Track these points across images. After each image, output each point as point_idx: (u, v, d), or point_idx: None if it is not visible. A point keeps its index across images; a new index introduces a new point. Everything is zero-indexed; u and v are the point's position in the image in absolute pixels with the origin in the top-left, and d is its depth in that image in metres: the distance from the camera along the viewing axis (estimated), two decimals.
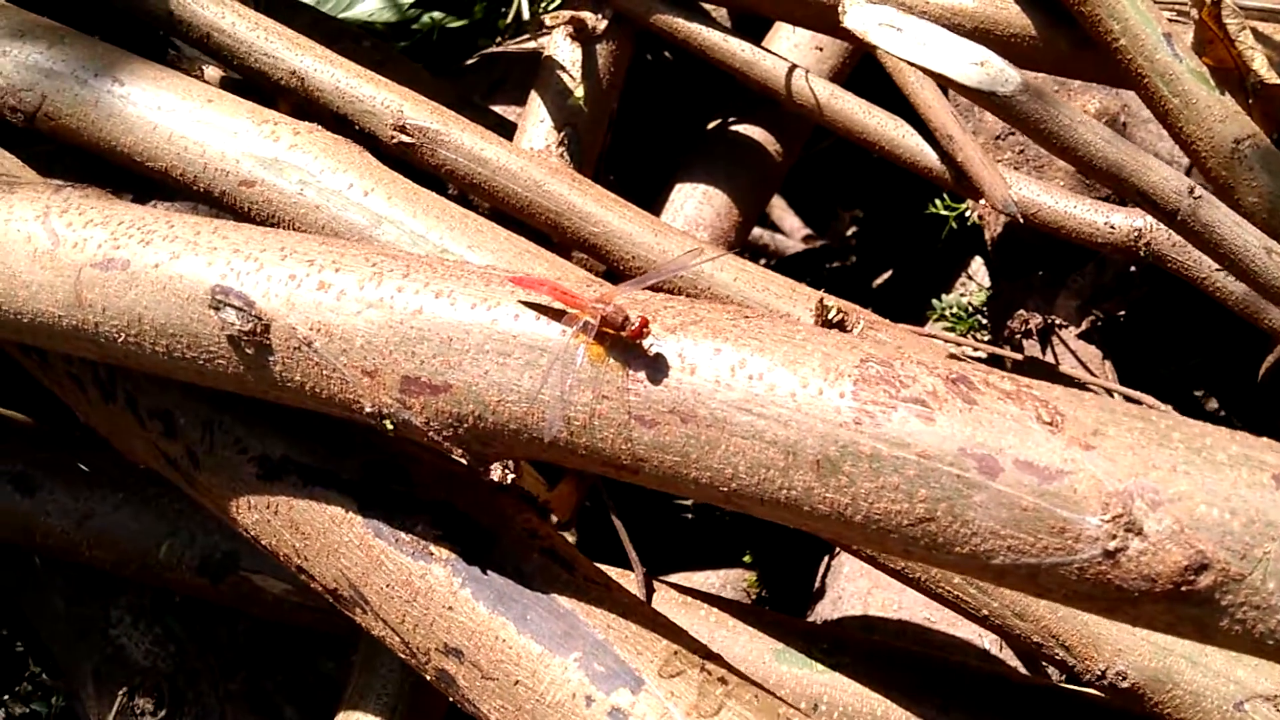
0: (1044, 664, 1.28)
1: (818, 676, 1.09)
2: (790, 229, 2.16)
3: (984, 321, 1.65)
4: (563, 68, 1.32)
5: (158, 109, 1.08)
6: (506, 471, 0.82)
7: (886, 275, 2.00)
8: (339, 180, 1.04)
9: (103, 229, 0.87)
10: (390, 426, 0.80)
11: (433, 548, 0.85)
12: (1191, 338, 1.75)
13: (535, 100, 1.33)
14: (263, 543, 0.92)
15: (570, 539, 1.15)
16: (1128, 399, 1.20)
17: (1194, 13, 0.98)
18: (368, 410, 0.80)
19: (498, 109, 1.54)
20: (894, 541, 0.68)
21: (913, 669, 1.10)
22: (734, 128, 1.55)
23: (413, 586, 0.84)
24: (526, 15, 1.45)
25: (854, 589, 1.40)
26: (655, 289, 0.84)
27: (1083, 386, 1.33)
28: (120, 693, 1.27)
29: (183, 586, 1.22)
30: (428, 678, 0.86)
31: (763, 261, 2.03)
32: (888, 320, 1.11)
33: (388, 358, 0.78)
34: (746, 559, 1.60)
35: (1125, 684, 0.96)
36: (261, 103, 1.11)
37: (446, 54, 1.87)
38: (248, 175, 1.05)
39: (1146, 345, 1.68)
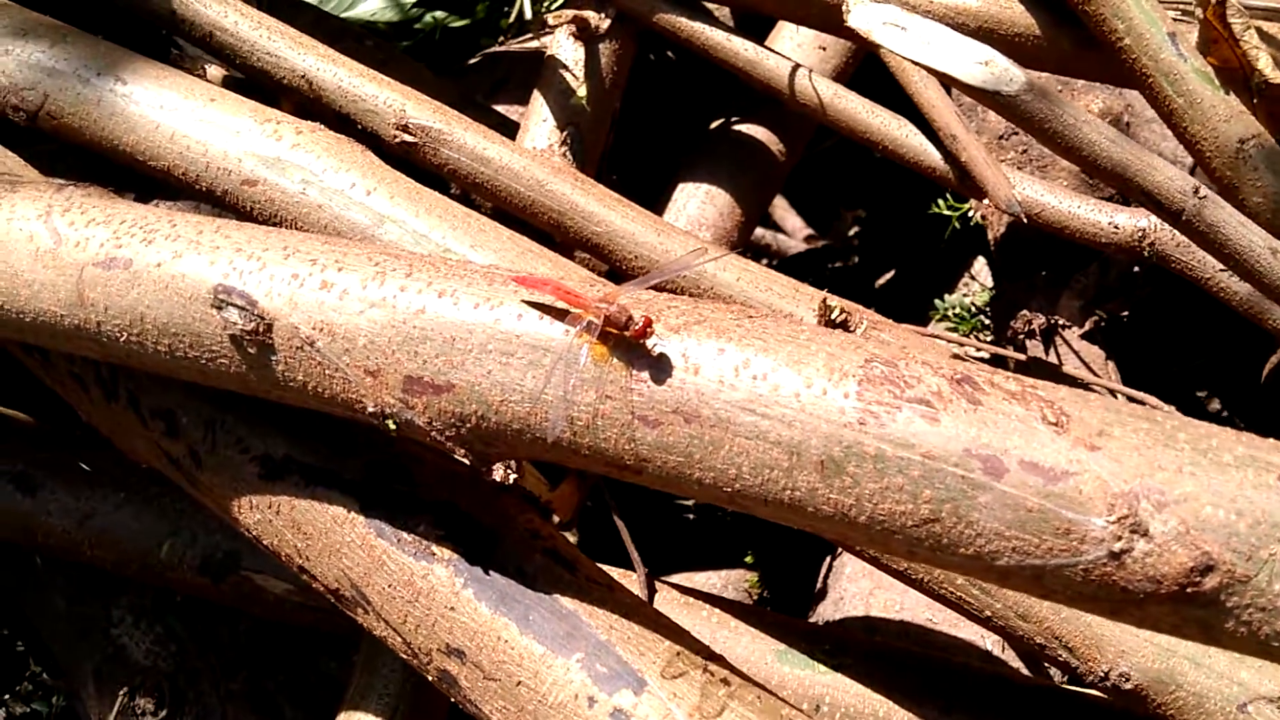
0: (1046, 665, 1.28)
1: (820, 678, 1.09)
2: (792, 229, 2.15)
3: (987, 322, 1.65)
4: (565, 67, 1.32)
5: (160, 108, 1.08)
6: (508, 471, 0.82)
7: (889, 275, 2.00)
8: (341, 180, 1.04)
9: (105, 228, 0.87)
10: (393, 426, 0.80)
11: (435, 548, 0.85)
12: (1195, 338, 1.74)
13: (538, 99, 1.33)
14: (264, 543, 0.92)
15: (571, 539, 1.15)
16: (1131, 400, 1.20)
17: (1199, 12, 0.97)
18: (370, 410, 0.80)
19: (500, 108, 1.54)
20: (898, 543, 0.68)
21: (915, 670, 1.10)
22: (737, 127, 1.55)
23: (415, 587, 0.84)
24: (529, 15, 1.45)
25: (856, 590, 1.40)
26: (658, 289, 0.84)
27: (1086, 387, 1.33)
28: (121, 692, 1.27)
29: (184, 586, 1.22)
30: (429, 678, 0.86)
31: (765, 261, 2.02)
32: (890, 320, 1.11)
33: (390, 357, 0.78)
34: (748, 559, 1.59)
35: (1128, 685, 0.96)
36: (264, 102, 1.10)
37: (449, 53, 1.87)
38: (250, 174, 1.05)
39: (1150, 346, 1.68)
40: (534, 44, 1.68)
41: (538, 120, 1.31)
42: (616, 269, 1.18)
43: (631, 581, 1.15)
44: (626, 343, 0.72)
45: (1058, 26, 1.15)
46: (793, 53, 1.38)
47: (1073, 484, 0.63)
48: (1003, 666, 1.28)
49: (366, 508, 0.87)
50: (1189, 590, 0.62)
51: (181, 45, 1.39)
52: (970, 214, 1.62)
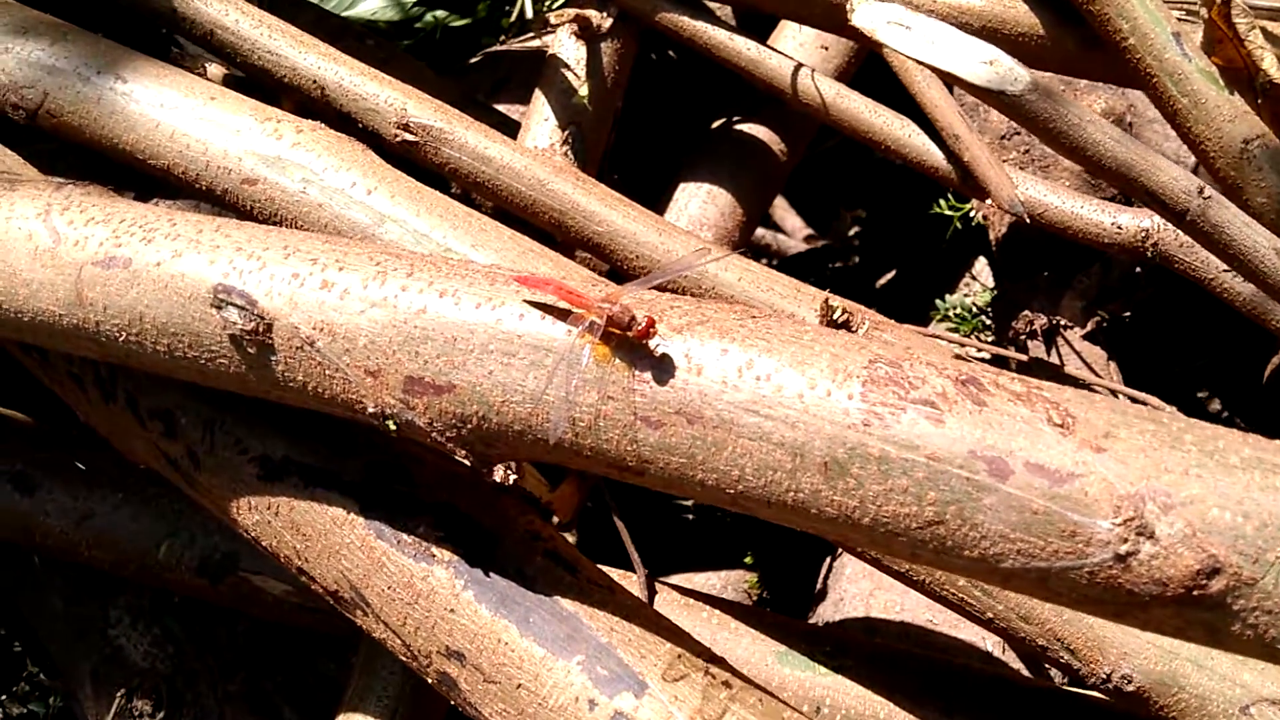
0: (1047, 667, 1.28)
1: (820, 679, 1.09)
2: (792, 229, 2.15)
3: (988, 322, 1.64)
4: (567, 66, 1.32)
5: (160, 106, 1.07)
6: (509, 472, 0.82)
7: (890, 275, 2.00)
8: (342, 179, 1.04)
9: (104, 227, 0.87)
10: (393, 427, 0.79)
11: (435, 549, 0.84)
12: (1196, 339, 1.74)
13: (539, 99, 1.32)
14: (263, 544, 0.91)
15: (570, 539, 1.15)
16: (1132, 400, 1.20)
17: (1203, 12, 0.97)
18: (370, 410, 0.79)
19: (501, 107, 1.54)
20: (902, 545, 0.68)
21: (916, 672, 1.09)
22: (738, 127, 1.55)
23: (415, 589, 0.84)
24: (530, 14, 1.44)
25: (856, 590, 1.40)
26: (660, 289, 0.83)
27: (1087, 388, 1.32)
28: (119, 693, 1.26)
29: (182, 587, 1.22)
30: (429, 681, 0.86)
31: (764, 261, 2.02)
32: (892, 321, 1.11)
33: (391, 357, 0.77)
34: (748, 560, 1.59)
35: (1130, 687, 0.96)
36: (265, 101, 1.10)
37: (450, 52, 1.86)
38: (250, 173, 1.04)
39: (1151, 346, 1.68)
40: (535, 43, 1.68)
41: (539, 119, 1.31)
42: (618, 269, 1.17)
43: (631, 582, 1.15)
44: (629, 343, 0.72)
45: (1061, 26, 1.15)
46: (795, 52, 1.38)
47: (1078, 486, 0.63)
48: (1003, 668, 1.28)
49: (366, 509, 0.86)
50: (1195, 593, 0.61)
51: (182, 43, 1.39)
52: (972, 214, 1.61)
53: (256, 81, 1.20)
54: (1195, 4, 1.11)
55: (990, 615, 0.99)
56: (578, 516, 1.33)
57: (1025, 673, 1.29)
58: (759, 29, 1.41)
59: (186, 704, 1.27)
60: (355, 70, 1.17)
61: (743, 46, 1.29)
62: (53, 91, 1.09)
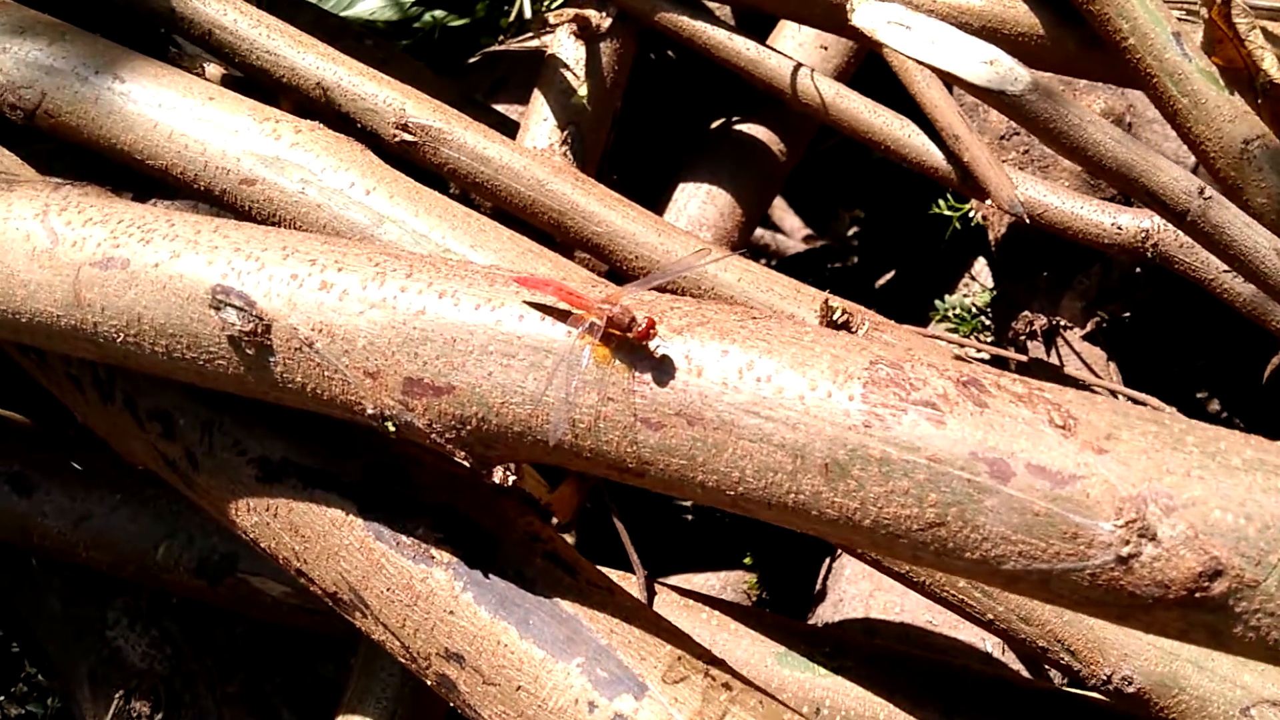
0: (1047, 668, 1.28)
1: (820, 680, 1.09)
2: (790, 229, 2.15)
3: (988, 323, 1.64)
4: (566, 66, 1.31)
5: (158, 106, 1.07)
6: (508, 474, 0.82)
7: (889, 276, 2.00)
8: (340, 179, 1.03)
9: (102, 227, 0.86)
10: (392, 428, 0.79)
11: (434, 551, 0.84)
12: (1196, 339, 1.74)
13: (538, 99, 1.32)
14: (262, 545, 0.91)
15: (569, 540, 1.15)
16: (1133, 401, 1.20)
17: (1203, 12, 0.97)
18: (369, 412, 0.79)
19: (500, 108, 1.53)
20: (903, 547, 0.67)
21: (915, 673, 1.09)
22: (738, 127, 1.54)
23: (414, 590, 0.83)
24: (529, 13, 1.44)
25: (855, 591, 1.40)
26: (660, 289, 0.83)
27: (1087, 388, 1.32)
28: (117, 695, 1.26)
29: (180, 588, 1.21)
30: (428, 683, 0.85)
31: (763, 261, 2.02)
32: (892, 321, 1.11)
33: (390, 359, 0.77)
34: (747, 560, 1.59)
35: (1131, 689, 0.95)
36: (263, 101, 1.10)
37: (449, 52, 1.86)
38: (249, 173, 1.04)
39: (1151, 347, 1.68)
40: (534, 43, 1.68)
41: (538, 119, 1.31)
42: (617, 269, 1.17)
43: (631, 583, 1.15)
44: (629, 344, 0.71)
45: (1061, 26, 1.15)
46: (794, 52, 1.38)
47: (1080, 488, 0.62)
48: (1003, 669, 1.28)
49: (365, 510, 0.86)
50: (1197, 595, 0.61)
51: (180, 43, 1.39)
52: (971, 214, 1.61)
53: (255, 81, 1.20)
54: (1195, 4, 1.11)
55: (990, 616, 0.99)
56: (577, 518, 1.33)
57: (1025, 674, 1.28)
58: (759, 29, 1.41)
59: (185, 705, 1.27)
60: (354, 70, 1.16)
61: (742, 46, 1.29)
62: (50, 91, 1.09)
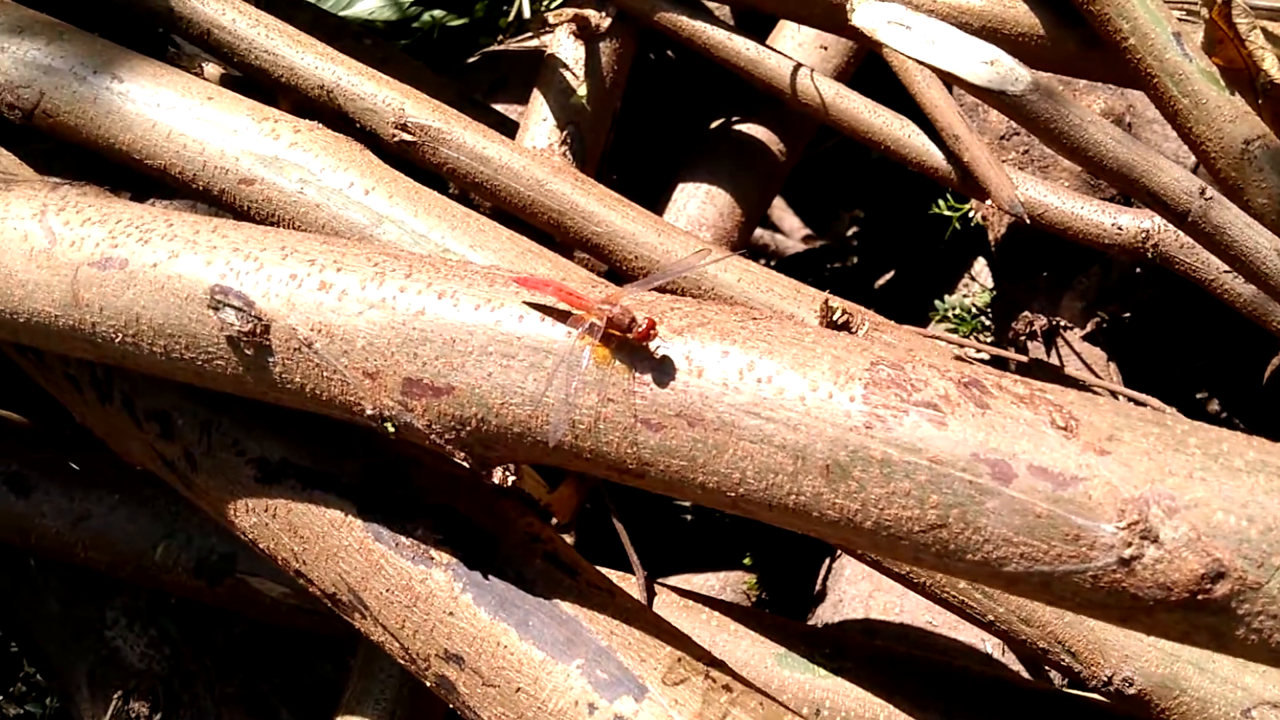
0: (1047, 669, 1.28)
1: (820, 681, 1.09)
2: (790, 229, 2.15)
3: (987, 323, 1.64)
4: (566, 66, 1.31)
5: (157, 106, 1.07)
6: (507, 474, 0.81)
7: (889, 276, 1.99)
8: (339, 179, 1.03)
9: (100, 227, 0.86)
10: (391, 429, 0.79)
11: (434, 552, 0.84)
12: (1196, 340, 1.74)
13: (538, 98, 1.32)
14: (260, 546, 0.91)
15: (569, 541, 1.14)
16: (1133, 402, 1.19)
17: (1204, 12, 0.97)
18: (369, 412, 0.79)
19: (500, 107, 1.53)
20: (904, 548, 0.67)
21: (916, 674, 1.09)
22: (737, 127, 1.54)
23: (413, 591, 0.83)
24: (528, 13, 1.44)
25: (855, 592, 1.40)
26: (659, 289, 0.83)
27: (1088, 389, 1.32)
28: (115, 695, 1.26)
29: (179, 588, 1.21)
30: (427, 684, 0.85)
31: (763, 261, 2.02)
32: (891, 322, 1.10)
33: (389, 359, 0.77)
34: (746, 561, 1.59)
35: (1132, 690, 0.95)
36: (262, 100, 1.10)
37: (448, 52, 1.86)
38: (247, 173, 1.04)
39: (1151, 347, 1.67)
40: (533, 43, 1.68)
41: (537, 119, 1.30)
42: (617, 269, 1.17)
43: (630, 584, 1.15)
44: (629, 345, 0.71)
45: (1062, 26, 1.15)
46: (794, 52, 1.37)
47: (1082, 489, 0.62)
48: (1004, 670, 1.28)
49: (364, 511, 0.86)
50: (1199, 597, 0.61)
51: (179, 43, 1.38)
52: (971, 214, 1.61)
53: (254, 81, 1.20)
54: (1195, 4, 1.10)
55: (991, 617, 0.99)
56: (577, 518, 1.33)
57: (1025, 675, 1.28)
58: (758, 29, 1.41)
59: (183, 705, 1.26)
60: (353, 70, 1.16)
61: (741, 46, 1.29)
62: (49, 91, 1.09)
